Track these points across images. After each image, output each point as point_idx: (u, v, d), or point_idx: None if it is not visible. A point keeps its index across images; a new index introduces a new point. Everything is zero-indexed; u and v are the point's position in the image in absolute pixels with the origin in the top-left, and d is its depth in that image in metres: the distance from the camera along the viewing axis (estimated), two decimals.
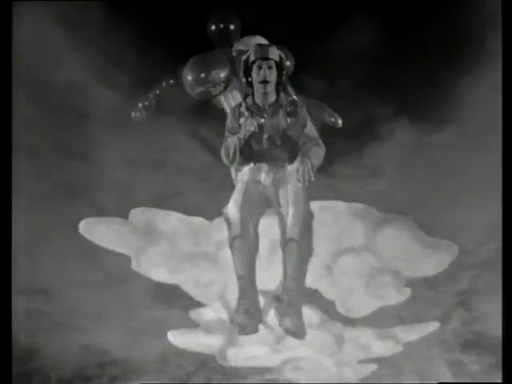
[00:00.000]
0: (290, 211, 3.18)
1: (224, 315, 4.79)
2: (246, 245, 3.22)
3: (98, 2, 4.58)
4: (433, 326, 4.75)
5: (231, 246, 3.21)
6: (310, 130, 3.43)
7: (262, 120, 3.32)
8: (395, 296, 4.72)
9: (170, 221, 4.97)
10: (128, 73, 4.69)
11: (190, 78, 4.19)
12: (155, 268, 4.99)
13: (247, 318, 3.12)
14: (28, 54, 4.34)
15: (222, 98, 4.27)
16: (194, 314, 4.97)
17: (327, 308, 4.62)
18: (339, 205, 4.78)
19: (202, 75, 4.15)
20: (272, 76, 3.34)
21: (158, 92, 4.31)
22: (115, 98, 4.62)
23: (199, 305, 4.95)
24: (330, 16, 4.95)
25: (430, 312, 4.81)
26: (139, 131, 4.60)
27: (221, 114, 4.42)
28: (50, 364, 4.01)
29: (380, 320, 4.67)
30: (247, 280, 3.20)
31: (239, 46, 4.20)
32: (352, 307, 4.70)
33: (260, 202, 3.34)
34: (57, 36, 4.45)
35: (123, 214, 4.87)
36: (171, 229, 4.94)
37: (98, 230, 4.80)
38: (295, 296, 3.15)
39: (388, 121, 5.16)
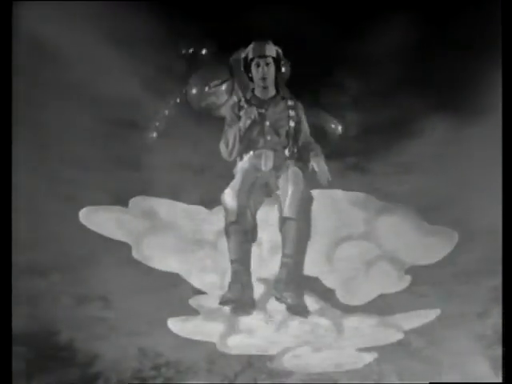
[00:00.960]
0: (289, 191, 3.15)
1: None
2: (241, 231, 3.18)
3: (148, 15, 4.58)
4: (434, 314, 4.73)
5: (226, 232, 3.19)
6: (308, 133, 3.51)
7: (263, 110, 3.38)
8: (395, 283, 4.74)
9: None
10: (179, 83, 4.78)
11: (193, 92, 4.41)
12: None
13: (238, 298, 3.09)
14: (83, 68, 4.52)
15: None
16: None
17: (327, 296, 4.63)
18: (338, 193, 4.73)
19: (206, 88, 4.38)
20: (270, 72, 3.44)
21: (166, 112, 4.50)
22: (166, 108, 4.75)
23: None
24: (363, 14, 4.97)
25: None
26: (186, 137, 4.72)
27: None
28: (111, 367, 4.19)
29: (380, 307, 4.69)
30: (240, 264, 3.16)
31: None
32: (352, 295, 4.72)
33: (259, 190, 3.32)
34: (110, 50, 4.56)
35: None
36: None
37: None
38: (294, 273, 3.12)
39: (424, 117, 5.11)
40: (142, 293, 4.78)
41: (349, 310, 4.62)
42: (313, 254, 3.86)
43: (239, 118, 3.41)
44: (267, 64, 3.40)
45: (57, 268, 4.63)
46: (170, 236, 4.97)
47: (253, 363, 4.99)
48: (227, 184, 4.16)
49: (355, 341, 4.56)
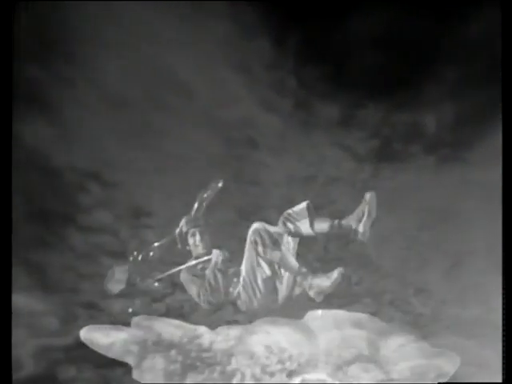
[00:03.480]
0: None
1: None
2: None
3: (261, 38, 4.75)
4: None
5: None
6: None
7: None
8: None
9: None
10: (288, 97, 4.89)
11: None
12: None
13: None
14: (207, 94, 4.70)
15: None
16: None
17: None
18: (340, 314, 4.47)
19: None
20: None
21: (204, 205, 4.41)
22: (277, 123, 4.85)
23: None
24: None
25: None
26: (296, 149, 4.84)
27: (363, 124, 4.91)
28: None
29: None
30: None
31: None
32: None
33: None
34: (227, 74, 4.74)
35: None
36: None
37: None
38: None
39: None
40: None
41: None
42: (316, 377, 4.12)
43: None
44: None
45: None
46: None
47: None
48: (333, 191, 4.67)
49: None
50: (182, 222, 4.27)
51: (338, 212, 4.54)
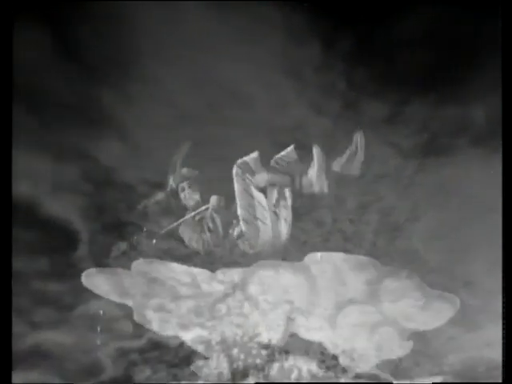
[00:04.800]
0: None
1: None
2: None
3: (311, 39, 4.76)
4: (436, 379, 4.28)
5: None
6: None
7: None
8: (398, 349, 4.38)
9: None
10: (337, 99, 4.85)
11: None
12: None
13: None
14: (263, 103, 4.74)
15: None
16: None
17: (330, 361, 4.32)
18: (341, 257, 4.55)
19: None
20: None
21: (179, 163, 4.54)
22: (326, 124, 4.79)
23: None
24: None
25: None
26: (344, 149, 4.74)
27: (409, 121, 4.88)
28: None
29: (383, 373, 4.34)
30: None
31: None
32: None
33: None
34: (280, 79, 4.76)
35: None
36: None
37: None
38: None
39: None
40: None
41: (352, 374, 4.32)
42: (316, 319, 4.24)
43: None
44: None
45: None
46: None
47: None
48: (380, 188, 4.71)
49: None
50: (170, 180, 4.38)
51: (385, 209, 4.78)
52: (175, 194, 4.39)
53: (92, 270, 3.97)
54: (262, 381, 3.94)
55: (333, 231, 4.70)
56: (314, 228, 4.68)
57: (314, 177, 4.23)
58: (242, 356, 3.86)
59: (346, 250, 4.62)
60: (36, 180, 4.10)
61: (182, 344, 3.84)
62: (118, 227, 4.18)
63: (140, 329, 3.86)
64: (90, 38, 4.42)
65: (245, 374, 3.86)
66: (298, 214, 4.64)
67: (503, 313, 3.90)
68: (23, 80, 4.19)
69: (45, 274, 3.91)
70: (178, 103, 4.58)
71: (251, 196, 4.09)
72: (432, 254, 4.46)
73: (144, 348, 3.77)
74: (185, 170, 4.43)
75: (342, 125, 4.82)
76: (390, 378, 4.19)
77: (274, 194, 4.16)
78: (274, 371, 3.99)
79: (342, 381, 4.20)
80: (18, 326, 3.65)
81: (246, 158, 4.32)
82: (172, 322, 3.95)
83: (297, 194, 4.42)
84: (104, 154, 4.30)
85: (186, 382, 3.79)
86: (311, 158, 4.44)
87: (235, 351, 3.93)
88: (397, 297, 4.49)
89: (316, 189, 4.26)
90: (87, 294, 3.86)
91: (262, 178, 4.12)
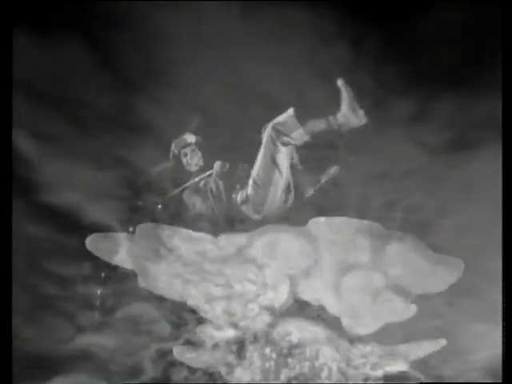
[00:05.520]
0: None
1: None
2: None
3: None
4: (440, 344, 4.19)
5: None
6: None
7: None
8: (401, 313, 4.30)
9: None
10: (366, 98, 4.75)
11: None
12: None
13: None
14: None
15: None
16: None
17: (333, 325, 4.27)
18: (344, 221, 4.48)
19: None
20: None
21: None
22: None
23: None
24: None
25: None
26: (372, 147, 4.82)
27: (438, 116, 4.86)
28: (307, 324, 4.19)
29: (386, 337, 4.27)
30: None
31: None
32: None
33: None
34: (310, 82, 4.74)
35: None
36: None
37: None
38: None
39: None
40: None
41: (355, 339, 4.28)
42: (318, 283, 4.20)
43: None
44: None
45: None
46: None
47: None
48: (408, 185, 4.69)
49: (361, 370, 4.16)
50: (172, 146, 4.47)
51: (413, 206, 4.77)
52: (178, 160, 4.48)
53: None
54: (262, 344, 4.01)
55: None
56: None
57: (348, 109, 4.24)
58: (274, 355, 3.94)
59: None
60: (79, 188, 4.22)
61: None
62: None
63: (177, 330, 3.96)
64: (125, 50, 4.56)
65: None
66: (323, 211, 4.63)
67: (503, 313, 3.87)
68: (64, 93, 4.39)
69: (88, 279, 4.08)
70: (208, 108, 4.69)
71: (274, 160, 4.11)
72: (461, 251, 4.42)
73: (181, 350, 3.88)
74: (187, 136, 4.51)
75: (370, 123, 4.71)
76: (420, 377, 4.11)
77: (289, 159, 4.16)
78: (275, 335, 4.05)
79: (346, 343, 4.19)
80: (65, 331, 3.83)
81: (281, 118, 4.32)
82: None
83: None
84: (140, 160, 4.43)
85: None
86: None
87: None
88: (401, 261, 4.44)
89: (354, 121, 4.26)
90: (128, 298, 4.00)
91: (300, 135, 4.14)
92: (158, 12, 4.59)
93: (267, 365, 3.80)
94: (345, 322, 4.23)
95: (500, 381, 3.84)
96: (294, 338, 3.96)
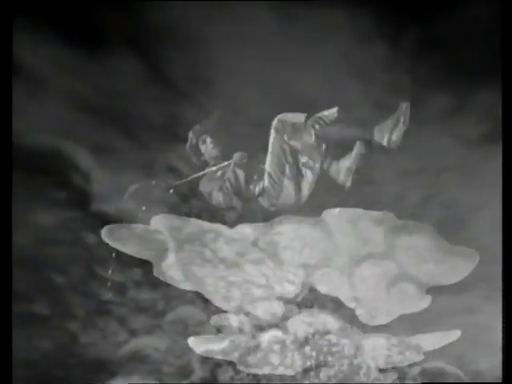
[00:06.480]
0: None
1: None
2: None
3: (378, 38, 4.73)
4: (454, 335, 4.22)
5: None
6: None
7: None
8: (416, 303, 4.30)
9: None
10: (403, 95, 4.61)
11: None
12: None
13: None
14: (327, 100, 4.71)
15: None
16: None
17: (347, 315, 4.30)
18: (358, 212, 4.46)
19: None
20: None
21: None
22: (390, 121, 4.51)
23: None
24: None
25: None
26: (408, 144, 4.59)
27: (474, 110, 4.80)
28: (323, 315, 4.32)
29: (401, 328, 4.30)
30: None
31: None
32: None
33: None
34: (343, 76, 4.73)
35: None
36: None
37: None
38: None
39: None
40: None
41: (369, 329, 4.29)
42: (332, 273, 4.20)
43: None
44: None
45: None
46: None
47: None
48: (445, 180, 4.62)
49: (375, 361, 4.16)
50: (190, 135, 4.34)
51: (450, 201, 4.75)
52: (195, 148, 4.37)
53: None
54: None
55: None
56: None
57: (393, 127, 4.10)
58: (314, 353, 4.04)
59: None
60: (131, 195, 4.34)
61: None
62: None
63: (222, 331, 4.09)
64: (172, 60, 4.59)
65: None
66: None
67: (503, 311, 3.86)
68: (115, 105, 4.46)
69: (139, 284, 4.20)
70: (251, 112, 4.65)
71: (285, 152, 4.07)
72: (498, 246, 4.29)
73: (226, 349, 4.02)
74: (205, 121, 4.41)
75: (407, 120, 4.56)
76: (459, 373, 4.16)
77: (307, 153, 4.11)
78: (293, 325, 4.11)
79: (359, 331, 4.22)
80: (119, 334, 4.02)
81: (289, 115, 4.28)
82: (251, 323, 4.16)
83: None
84: (188, 168, 4.48)
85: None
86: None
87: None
88: (415, 251, 4.43)
89: (393, 138, 4.12)
90: (176, 301, 4.14)
91: (299, 141, 4.04)
92: (202, 20, 4.62)
93: (308, 363, 3.96)
94: (359, 313, 4.25)
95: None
96: (333, 336, 4.08)
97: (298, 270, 4.21)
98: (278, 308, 4.11)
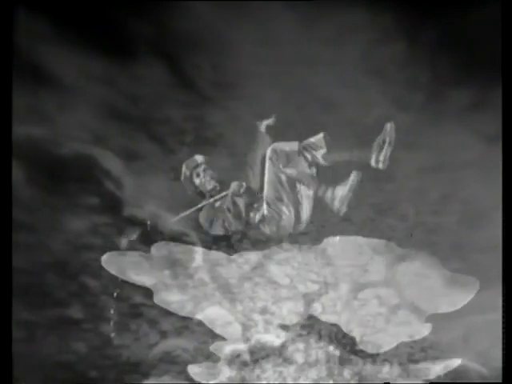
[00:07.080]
0: None
1: None
2: None
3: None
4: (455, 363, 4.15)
5: None
6: None
7: None
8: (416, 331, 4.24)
9: None
10: (421, 92, 4.76)
11: None
12: None
13: None
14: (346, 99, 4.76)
15: None
16: None
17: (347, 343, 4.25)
18: (359, 240, 4.42)
19: None
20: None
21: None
22: (410, 119, 4.67)
23: None
24: None
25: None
26: (427, 141, 4.71)
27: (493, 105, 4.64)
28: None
29: (401, 356, 4.24)
30: None
31: None
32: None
33: None
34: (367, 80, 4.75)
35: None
36: None
37: None
38: None
39: None
40: None
41: (369, 357, 4.23)
42: (333, 301, 4.20)
43: None
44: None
45: None
46: None
47: None
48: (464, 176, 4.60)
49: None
50: (183, 168, 4.31)
51: (469, 197, 4.72)
52: (190, 181, 4.33)
53: None
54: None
55: (416, 224, 4.63)
56: (398, 223, 4.66)
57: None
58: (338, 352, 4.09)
59: (430, 243, 4.59)
60: (159, 199, 4.38)
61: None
62: (227, 238, 4.40)
63: (247, 331, 4.16)
64: (198, 66, 4.67)
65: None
66: (382, 210, 4.65)
67: (503, 311, 3.84)
68: (143, 111, 4.55)
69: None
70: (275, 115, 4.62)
71: (281, 180, 4.05)
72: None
73: (252, 349, 4.10)
74: (197, 156, 4.39)
75: (425, 116, 4.74)
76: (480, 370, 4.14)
77: (304, 180, 4.09)
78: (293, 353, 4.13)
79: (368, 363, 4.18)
80: (150, 336, 4.11)
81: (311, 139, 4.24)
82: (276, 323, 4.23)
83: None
84: (215, 170, 4.46)
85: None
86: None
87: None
88: (415, 279, 4.39)
89: (381, 158, 4.03)
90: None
91: (293, 171, 4.03)
92: (225, 24, 4.64)
93: (331, 362, 4.02)
94: (359, 341, 4.21)
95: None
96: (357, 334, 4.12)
97: (298, 297, 4.24)
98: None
